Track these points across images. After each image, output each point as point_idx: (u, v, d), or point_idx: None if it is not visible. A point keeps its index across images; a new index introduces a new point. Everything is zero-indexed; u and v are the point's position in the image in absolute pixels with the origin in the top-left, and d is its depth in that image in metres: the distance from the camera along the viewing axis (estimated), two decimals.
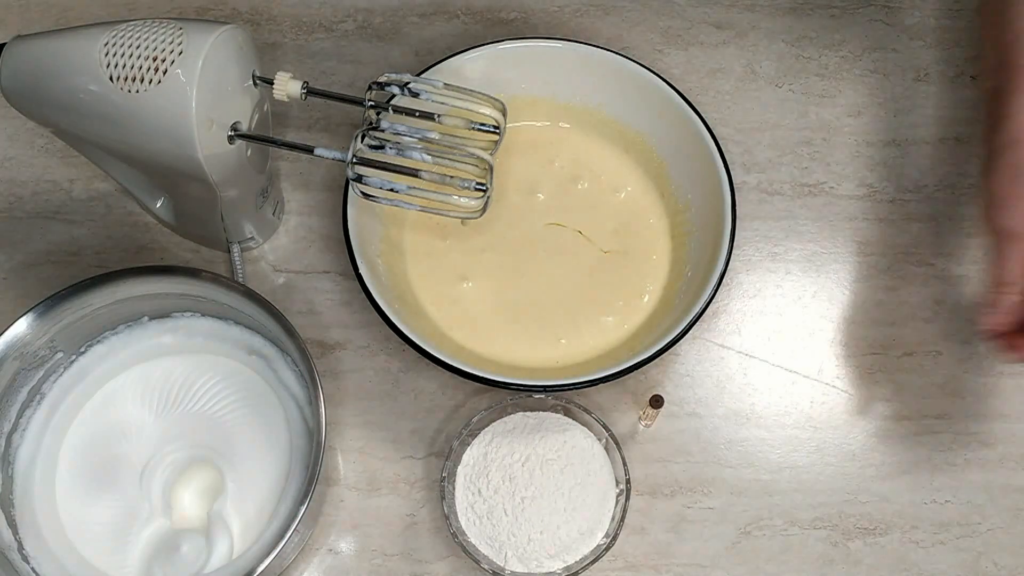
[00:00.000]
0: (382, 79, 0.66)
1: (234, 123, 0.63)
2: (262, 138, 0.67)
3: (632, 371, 0.64)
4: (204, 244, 0.77)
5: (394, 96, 0.67)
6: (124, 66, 0.59)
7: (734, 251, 0.68)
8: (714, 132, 0.71)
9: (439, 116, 0.65)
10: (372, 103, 0.65)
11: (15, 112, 0.64)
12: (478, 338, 0.71)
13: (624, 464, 0.66)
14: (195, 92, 0.59)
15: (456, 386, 0.73)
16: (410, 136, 0.64)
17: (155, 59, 0.59)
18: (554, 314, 0.72)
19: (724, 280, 0.67)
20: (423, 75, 0.71)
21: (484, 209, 0.65)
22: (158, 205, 0.74)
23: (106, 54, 0.60)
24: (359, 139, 0.64)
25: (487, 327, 0.71)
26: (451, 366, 0.64)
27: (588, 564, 0.64)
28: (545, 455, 0.67)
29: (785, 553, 0.69)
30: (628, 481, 0.66)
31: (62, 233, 0.78)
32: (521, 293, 0.73)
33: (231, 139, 0.63)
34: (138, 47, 0.59)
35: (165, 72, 0.59)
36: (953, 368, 0.74)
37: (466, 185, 0.63)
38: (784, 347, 0.74)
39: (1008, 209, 0.58)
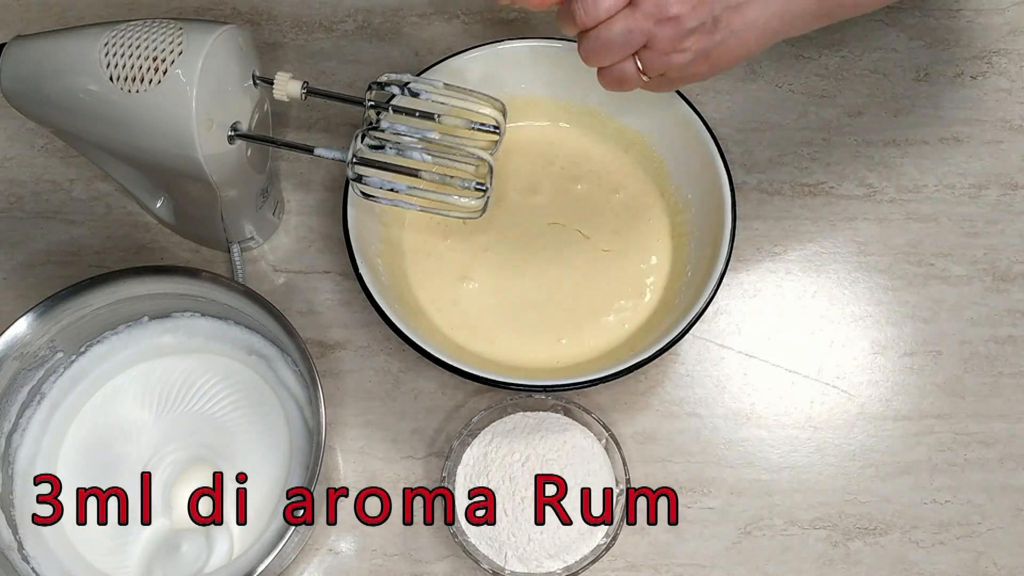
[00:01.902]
0: (382, 79, 0.66)
1: (234, 123, 0.63)
2: (262, 138, 0.67)
3: (632, 371, 0.64)
4: (204, 244, 0.77)
5: (394, 96, 0.67)
6: (124, 66, 0.59)
7: (734, 251, 0.68)
8: (714, 132, 0.71)
9: (439, 116, 0.65)
10: (372, 103, 0.65)
11: (15, 112, 0.64)
12: (478, 338, 0.71)
13: (624, 464, 0.66)
14: (195, 92, 0.59)
15: (456, 386, 0.73)
16: (410, 136, 0.64)
17: (155, 59, 0.59)
18: (554, 314, 0.72)
19: (724, 280, 0.67)
20: (423, 75, 0.71)
21: (484, 209, 0.65)
22: (158, 205, 0.74)
23: (106, 54, 0.60)
24: (359, 139, 0.64)
25: (487, 327, 0.71)
26: (451, 366, 0.64)
27: (588, 564, 0.64)
28: (545, 455, 0.67)
29: (785, 553, 0.69)
30: (628, 481, 0.66)
31: (62, 233, 0.78)
32: (521, 293, 0.73)
33: (231, 139, 0.63)
34: (138, 47, 0.59)
35: (165, 72, 0.59)
36: (953, 368, 0.74)
37: (466, 185, 0.63)
38: (784, 347, 0.74)
39: None
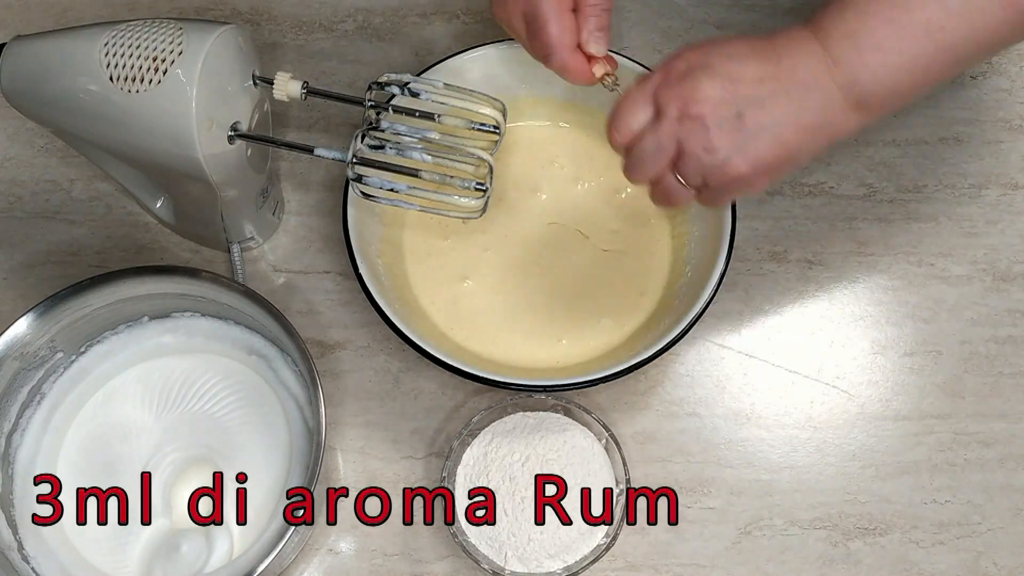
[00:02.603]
0: (382, 79, 0.66)
1: (234, 123, 0.63)
2: (262, 138, 0.67)
3: (632, 371, 0.64)
4: (204, 244, 0.77)
5: (394, 96, 0.67)
6: (124, 66, 0.59)
7: (734, 251, 0.68)
8: None
9: (439, 116, 0.65)
10: (372, 103, 0.65)
11: (15, 112, 0.64)
12: (478, 338, 0.71)
13: (624, 464, 0.66)
14: (195, 92, 0.59)
15: (456, 386, 0.73)
16: (410, 136, 0.64)
17: (155, 59, 0.59)
18: (554, 314, 0.72)
19: (724, 280, 0.67)
20: (423, 75, 0.71)
21: (484, 209, 0.65)
22: (158, 205, 0.74)
23: (106, 54, 0.60)
24: (359, 139, 0.64)
25: (487, 327, 0.71)
26: (451, 366, 0.64)
27: (588, 564, 0.64)
28: (545, 455, 0.67)
29: (785, 553, 0.69)
30: (628, 481, 0.66)
31: (62, 233, 0.78)
32: (521, 293, 0.73)
33: (231, 139, 0.63)
34: (138, 47, 0.59)
35: (165, 72, 0.59)
36: (953, 368, 0.74)
37: (466, 185, 0.63)
38: (784, 347, 0.74)
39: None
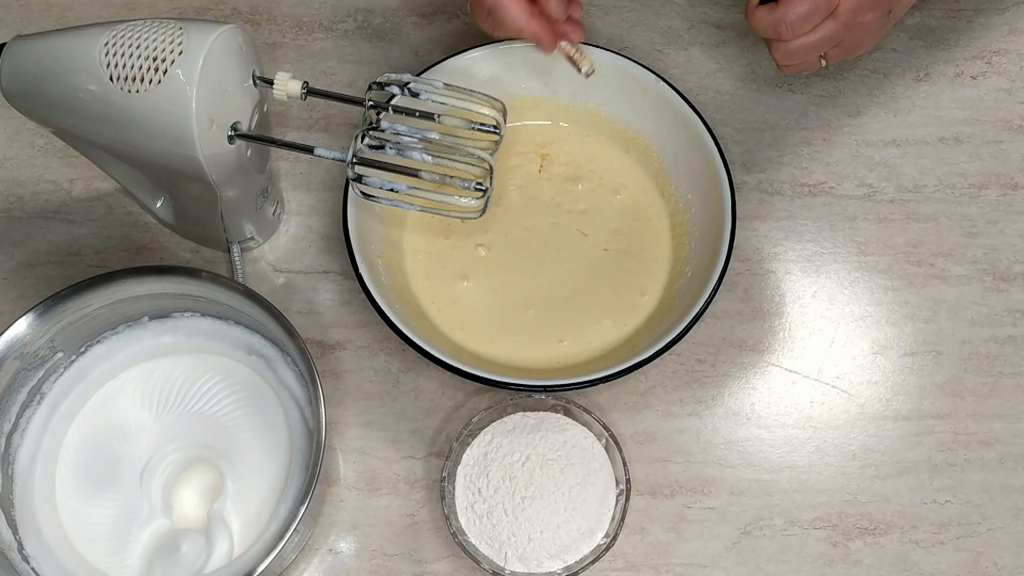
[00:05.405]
0: (382, 79, 0.66)
1: (234, 123, 0.63)
2: (262, 138, 0.67)
3: (632, 371, 0.64)
4: (204, 244, 0.77)
5: (394, 96, 0.67)
6: (124, 66, 0.59)
7: (734, 251, 0.68)
8: (714, 132, 0.71)
9: (439, 116, 0.65)
10: (372, 103, 0.65)
11: (15, 112, 0.64)
12: (478, 338, 0.71)
13: (624, 464, 0.66)
14: (195, 92, 0.59)
15: (456, 386, 0.73)
16: (410, 136, 0.64)
17: (155, 59, 0.59)
18: (554, 314, 0.72)
19: (724, 280, 0.67)
20: (423, 75, 0.71)
21: (484, 209, 0.65)
22: (158, 205, 0.74)
23: (106, 54, 0.60)
24: (359, 139, 0.64)
25: (487, 327, 0.72)
26: (451, 366, 0.64)
27: (588, 564, 0.64)
28: (545, 455, 0.67)
29: (785, 553, 0.69)
30: (628, 481, 0.66)
31: (62, 233, 0.78)
32: (521, 293, 0.73)
33: (231, 139, 0.63)
34: (138, 47, 0.59)
35: (165, 72, 0.59)
36: (953, 368, 0.74)
37: (466, 185, 0.63)
38: (784, 347, 0.74)
39: None
